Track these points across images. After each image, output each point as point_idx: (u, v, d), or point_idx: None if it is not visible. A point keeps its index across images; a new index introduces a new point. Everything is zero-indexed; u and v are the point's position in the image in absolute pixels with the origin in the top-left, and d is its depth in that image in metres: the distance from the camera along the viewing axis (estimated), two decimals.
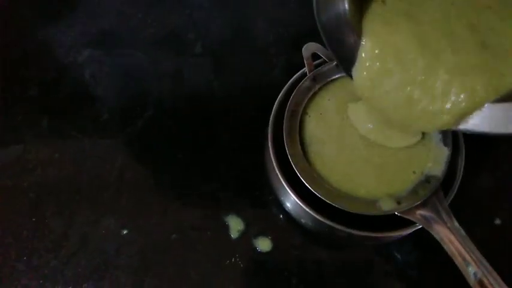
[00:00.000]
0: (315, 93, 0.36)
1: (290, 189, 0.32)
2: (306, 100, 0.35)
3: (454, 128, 0.27)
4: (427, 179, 0.33)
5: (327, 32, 0.28)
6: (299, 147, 0.34)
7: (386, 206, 0.32)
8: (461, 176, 0.33)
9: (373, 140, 0.34)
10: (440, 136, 0.34)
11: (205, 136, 0.40)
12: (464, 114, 0.26)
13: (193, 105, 0.42)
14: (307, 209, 0.32)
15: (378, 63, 0.28)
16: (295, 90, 0.35)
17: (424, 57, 0.26)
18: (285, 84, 0.36)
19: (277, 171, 0.33)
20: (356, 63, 0.29)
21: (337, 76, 0.36)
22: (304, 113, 0.35)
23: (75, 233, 0.36)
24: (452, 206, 0.32)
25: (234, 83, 0.43)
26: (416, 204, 0.31)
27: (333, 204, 0.31)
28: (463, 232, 0.30)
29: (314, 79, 0.36)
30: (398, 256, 0.37)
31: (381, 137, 0.34)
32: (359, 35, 0.28)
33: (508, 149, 0.41)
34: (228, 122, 0.41)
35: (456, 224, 0.30)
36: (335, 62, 0.36)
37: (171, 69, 0.43)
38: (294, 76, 0.37)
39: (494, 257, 0.29)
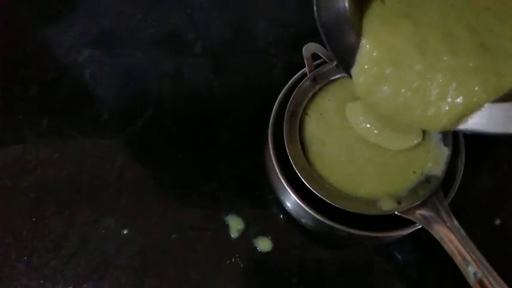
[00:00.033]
0: (315, 94, 0.36)
1: (290, 189, 0.32)
2: (306, 100, 0.35)
3: (454, 128, 0.27)
4: (427, 179, 0.33)
5: (327, 30, 0.28)
6: (299, 147, 0.34)
7: (387, 206, 0.32)
8: (461, 176, 0.34)
9: (372, 141, 0.34)
10: (440, 136, 0.34)
11: (205, 136, 0.40)
12: (464, 115, 0.26)
13: (193, 105, 0.42)
14: (307, 209, 0.32)
15: (377, 64, 0.28)
16: (295, 91, 0.35)
17: (423, 59, 0.26)
18: (285, 85, 0.36)
19: (278, 171, 0.33)
20: (355, 63, 0.29)
21: (337, 76, 0.36)
22: (305, 113, 0.35)
23: (75, 233, 0.36)
24: (452, 206, 0.32)
25: (234, 83, 0.43)
26: (416, 204, 0.31)
27: (333, 204, 0.31)
28: (462, 232, 0.30)
29: (314, 79, 0.36)
30: (399, 256, 0.37)
31: (379, 139, 0.34)
32: (358, 34, 0.28)
33: (508, 149, 0.41)
34: (228, 122, 0.41)
35: (456, 223, 0.30)
36: (335, 62, 0.36)
37: (171, 69, 0.43)
38: (294, 76, 0.37)
39: (494, 257, 0.29)
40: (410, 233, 0.34)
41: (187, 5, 0.46)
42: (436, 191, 0.32)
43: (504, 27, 0.27)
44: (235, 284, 0.35)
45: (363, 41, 0.28)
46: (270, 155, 0.34)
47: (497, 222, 0.38)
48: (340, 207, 0.31)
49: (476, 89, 0.25)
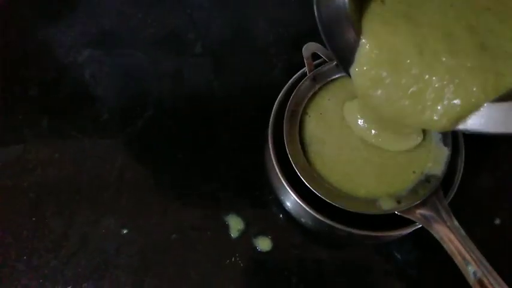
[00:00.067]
0: (315, 93, 0.36)
1: (290, 189, 0.32)
2: (306, 100, 0.35)
3: (454, 128, 0.27)
4: (427, 179, 0.33)
5: (326, 27, 0.28)
6: (299, 147, 0.34)
7: (386, 205, 0.32)
8: (461, 176, 0.34)
9: (371, 142, 0.34)
10: (440, 136, 0.34)
11: (205, 136, 0.40)
12: (464, 116, 0.26)
13: (193, 105, 0.42)
14: (307, 209, 0.32)
15: (377, 63, 0.28)
16: (295, 90, 0.35)
17: (422, 59, 0.26)
18: (285, 84, 0.36)
19: (277, 171, 0.33)
20: (355, 62, 0.28)
21: (337, 76, 0.36)
22: (304, 113, 0.35)
23: (75, 233, 0.36)
24: (452, 205, 0.32)
25: (234, 83, 0.43)
26: (416, 203, 0.31)
27: (333, 204, 0.31)
28: (462, 231, 0.30)
29: (314, 79, 0.36)
30: (398, 255, 0.37)
31: (379, 140, 0.34)
32: (358, 34, 0.28)
33: (508, 149, 0.41)
34: (228, 122, 0.41)
35: (456, 223, 0.30)
36: (335, 62, 0.36)
37: (171, 69, 0.43)
38: (294, 76, 0.37)
39: (494, 256, 0.29)
40: (410, 233, 0.34)
41: (187, 5, 0.46)
42: (436, 190, 0.32)
43: (504, 27, 0.27)
44: (235, 283, 0.35)
45: (363, 41, 0.28)
46: (270, 154, 0.34)
47: (497, 222, 0.38)
48: (340, 206, 0.31)
49: (474, 89, 0.25)
